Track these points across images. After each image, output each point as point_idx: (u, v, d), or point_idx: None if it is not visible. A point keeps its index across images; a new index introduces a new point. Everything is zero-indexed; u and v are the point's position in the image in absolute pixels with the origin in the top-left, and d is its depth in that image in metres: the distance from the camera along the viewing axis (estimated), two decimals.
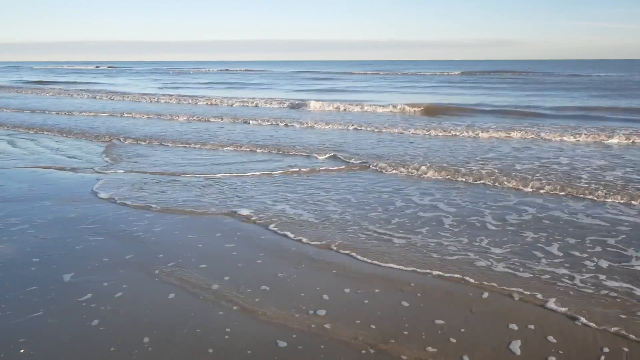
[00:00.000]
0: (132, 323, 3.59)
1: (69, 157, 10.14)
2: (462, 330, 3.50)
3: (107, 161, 9.63)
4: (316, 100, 20.84)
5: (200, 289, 4.13)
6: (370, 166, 8.74)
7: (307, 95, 25.53)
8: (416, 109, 18.14)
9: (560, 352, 3.23)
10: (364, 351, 3.25)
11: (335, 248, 5.04)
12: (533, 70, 57.85)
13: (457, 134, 12.59)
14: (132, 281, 4.29)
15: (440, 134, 12.70)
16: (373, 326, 3.55)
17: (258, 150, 10.59)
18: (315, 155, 9.92)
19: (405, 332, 3.46)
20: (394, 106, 18.52)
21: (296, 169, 8.60)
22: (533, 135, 12.04)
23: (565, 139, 11.70)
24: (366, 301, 3.95)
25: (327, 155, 9.82)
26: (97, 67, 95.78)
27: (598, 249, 5.00)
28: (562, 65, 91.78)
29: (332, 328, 3.51)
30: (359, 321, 3.62)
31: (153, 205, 6.54)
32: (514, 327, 3.53)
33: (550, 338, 3.39)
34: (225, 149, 10.89)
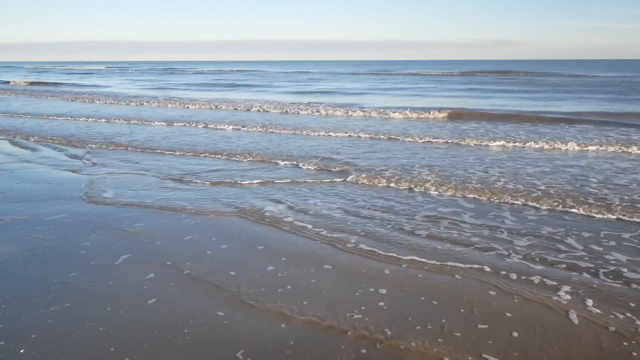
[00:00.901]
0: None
1: (54, 160, 9.99)
2: (510, 309, 3.70)
3: (97, 164, 9.48)
4: (323, 103, 20.34)
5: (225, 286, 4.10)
6: (377, 178, 7.86)
7: (311, 99, 24.43)
8: (437, 115, 16.70)
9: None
10: (416, 329, 3.21)
11: (354, 241, 5.13)
12: (537, 71, 56.00)
13: (489, 143, 11.31)
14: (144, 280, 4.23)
15: (472, 143, 11.42)
16: (435, 302, 3.84)
17: (246, 159, 9.77)
18: (326, 164, 9.16)
19: (462, 310, 3.71)
20: (410, 111, 17.26)
21: (306, 180, 7.99)
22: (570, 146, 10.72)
23: (591, 148, 10.46)
24: (421, 275, 4.32)
25: (340, 164, 9.00)
26: (89, 68, 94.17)
27: (613, 242, 5.12)
28: (563, 66, 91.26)
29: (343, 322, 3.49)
30: (422, 297, 3.91)
31: (158, 204, 6.50)
32: (562, 297, 3.90)
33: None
34: (233, 157, 9.98)
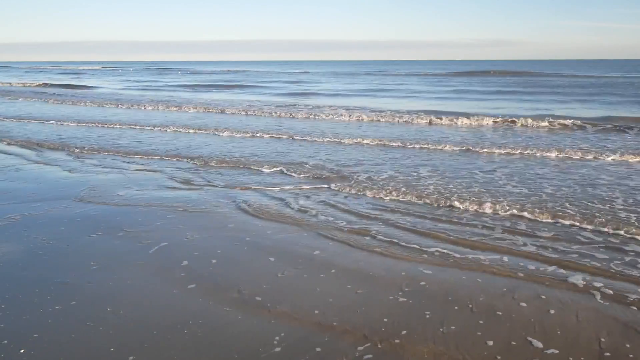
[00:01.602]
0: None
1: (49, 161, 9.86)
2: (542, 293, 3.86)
3: (97, 165, 9.33)
4: (322, 105, 19.94)
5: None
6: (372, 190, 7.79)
7: (311, 100, 23.73)
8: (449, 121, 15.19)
9: None
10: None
11: (364, 240, 5.08)
12: (539, 71, 53.97)
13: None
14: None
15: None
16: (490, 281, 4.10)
17: (246, 162, 9.78)
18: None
19: (504, 289, 3.92)
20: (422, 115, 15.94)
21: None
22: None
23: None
24: (452, 260, 4.54)
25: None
26: (86, 68, 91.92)
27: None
28: (564, 65, 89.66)
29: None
30: (464, 276, 4.14)
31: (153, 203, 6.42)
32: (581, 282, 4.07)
33: None
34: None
